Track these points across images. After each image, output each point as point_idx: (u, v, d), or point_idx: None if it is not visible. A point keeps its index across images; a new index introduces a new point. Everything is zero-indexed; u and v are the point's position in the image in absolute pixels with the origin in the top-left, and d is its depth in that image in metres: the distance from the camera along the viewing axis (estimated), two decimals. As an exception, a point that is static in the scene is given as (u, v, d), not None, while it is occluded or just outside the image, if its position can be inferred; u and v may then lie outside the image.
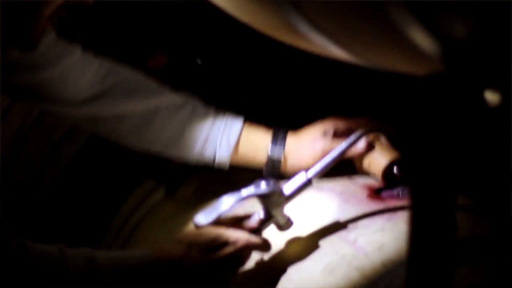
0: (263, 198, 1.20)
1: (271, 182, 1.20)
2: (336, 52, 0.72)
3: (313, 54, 0.78)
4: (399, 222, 1.22)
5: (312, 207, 1.30)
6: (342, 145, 1.28)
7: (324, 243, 1.22)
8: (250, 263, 1.22)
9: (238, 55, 1.72)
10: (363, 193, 1.32)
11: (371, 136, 1.37)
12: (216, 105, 1.46)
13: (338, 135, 1.39)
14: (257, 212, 1.22)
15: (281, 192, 1.20)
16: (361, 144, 1.35)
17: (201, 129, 1.42)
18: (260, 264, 1.23)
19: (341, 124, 1.40)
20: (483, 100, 0.66)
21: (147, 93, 1.44)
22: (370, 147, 1.36)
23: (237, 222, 1.21)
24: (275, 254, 1.23)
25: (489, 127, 1.24)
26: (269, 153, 1.40)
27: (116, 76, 1.44)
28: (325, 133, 1.39)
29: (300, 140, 1.40)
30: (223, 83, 1.69)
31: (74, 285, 1.10)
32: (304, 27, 0.70)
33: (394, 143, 1.38)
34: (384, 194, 1.32)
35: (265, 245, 1.21)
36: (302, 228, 1.26)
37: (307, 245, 1.23)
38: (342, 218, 1.26)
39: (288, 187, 1.22)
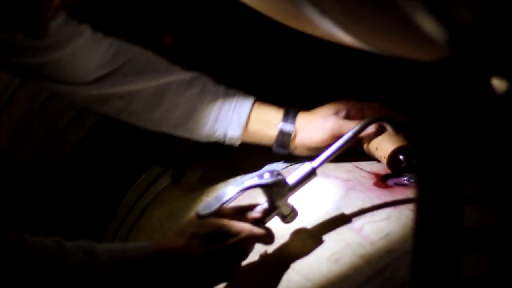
0: (267, 188, 1.19)
1: (275, 172, 1.20)
2: (343, 37, 0.72)
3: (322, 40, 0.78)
4: (405, 210, 1.21)
5: (318, 194, 1.30)
6: (347, 134, 1.27)
7: (329, 231, 1.22)
8: (256, 254, 1.21)
9: (247, 40, 1.72)
10: (370, 181, 1.32)
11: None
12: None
13: (350, 117, 1.39)
14: (261, 203, 1.20)
15: (285, 183, 1.19)
16: (371, 127, 1.35)
17: (211, 107, 1.42)
18: (265, 253, 1.22)
19: (354, 106, 1.41)
20: (490, 87, 0.65)
21: (157, 71, 1.43)
22: (380, 131, 1.36)
23: (240, 213, 1.19)
24: (281, 244, 1.23)
25: (495, 116, 1.23)
26: (280, 128, 1.40)
27: (126, 55, 1.44)
28: (337, 113, 1.39)
29: (311, 117, 1.41)
30: (233, 68, 1.68)
31: (73, 278, 1.09)
32: (311, 13, 0.69)
33: (405, 132, 1.37)
34: (390, 181, 1.32)
35: (268, 237, 1.19)
36: (308, 215, 1.25)
37: (313, 234, 1.22)
38: (349, 205, 1.25)
39: (292, 178, 1.21)
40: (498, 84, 0.64)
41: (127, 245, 1.18)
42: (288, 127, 1.40)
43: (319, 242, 1.21)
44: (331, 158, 1.25)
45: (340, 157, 1.28)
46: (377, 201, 1.25)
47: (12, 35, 1.32)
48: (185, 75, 1.44)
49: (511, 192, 1.16)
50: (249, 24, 1.66)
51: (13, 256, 1.08)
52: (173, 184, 1.58)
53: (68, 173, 1.71)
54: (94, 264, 1.09)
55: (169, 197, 1.56)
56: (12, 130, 1.74)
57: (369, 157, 1.39)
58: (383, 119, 1.35)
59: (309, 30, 0.77)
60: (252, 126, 1.42)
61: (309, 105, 1.45)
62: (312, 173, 1.22)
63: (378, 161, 1.37)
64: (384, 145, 1.35)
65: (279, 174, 1.20)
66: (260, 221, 1.19)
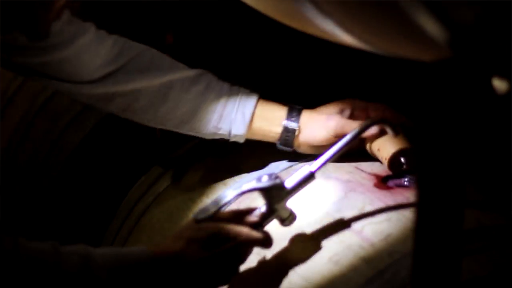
0: (265, 192, 1.18)
1: (273, 176, 1.19)
2: (344, 38, 0.72)
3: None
4: (405, 211, 1.21)
5: (318, 196, 1.29)
6: (346, 137, 1.27)
7: (329, 233, 1.22)
8: (255, 257, 1.20)
9: (250, 38, 1.71)
10: (370, 182, 1.32)
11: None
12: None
13: (354, 116, 1.40)
14: (259, 206, 1.20)
15: (283, 186, 1.19)
16: (375, 127, 1.35)
17: (215, 104, 1.42)
18: (265, 257, 1.21)
19: (358, 106, 1.41)
20: (491, 88, 0.65)
21: (161, 69, 1.43)
22: (383, 132, 1.36)
23: (238, 217, 1.18)
24: (281, 247, 1.22)
25: (496, 116, 1.23)
26: (284, 125, 1.40)
27: (130, 53, 1.43)
28: (341, 112, 1.40)
29: (315, 115, 1.41)
30: (235, 67, 1.68)
31: (69, 283, 1.08)
32: (311, 13, 0.69)
33: (407, 134, 1.37)
34: (391, 183, 1.31)
35: (266, 240, 1.18)
36: (308, 217, 1.25)
37: (313, 236, 1.22)
38: (349, 207, 1.25)
39: (290, 181, 1.20)
40: (499, 84, 0.64)
41: (124, 250, 1.17)
42: (292, 124, 1.40)
43: (319, 244, 1.21)
44: (330, 160, 1.25)
45: (340, 157, 1.28)
46: (378, 203, 1.25)
47: (14, 36, 1.31)
48: (189, 73, 1.44)
49: (511, 192, 1.16)
50: (252, 22, 1.66)
51: (8, 261, 1.07)
52: (173, 185, 1.58)
53: (68, 174, 1.71)
54: (91, 269, 1.08)
55: (169, 198, 1.56)
56: (12, 131, 1.73)
57: (369, 158, 1.39)
58: (382, 121, 1.34)
59: (309, 30, 0.76)
60: (256, 123, 1.42)
61: (313, 105, 1.45)
62: (310, 177, 1.21)
63: (380, 161, 1.37)
64: (386, 147, 1.35)
65: (277, 177, 1.19)
66: (258, 225, 1.18)
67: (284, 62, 1.71)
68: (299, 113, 1.41)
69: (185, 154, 1.59)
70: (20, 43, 1.33)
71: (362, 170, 1.36)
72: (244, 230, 1.16)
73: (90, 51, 1.41)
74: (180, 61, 1.47)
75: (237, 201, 1.20)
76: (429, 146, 0.74)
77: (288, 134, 1.40)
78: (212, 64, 1.50)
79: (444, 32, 0.61)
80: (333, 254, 1.18)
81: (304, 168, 1.22)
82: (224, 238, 1.15)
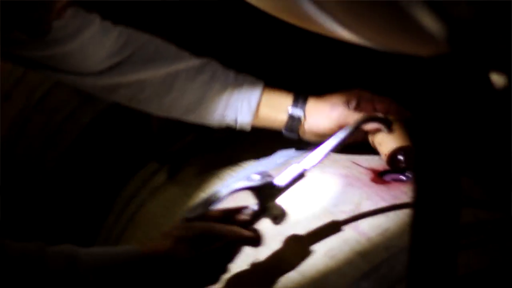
0: (256, 190, 1.18)
1: (264, 174, 1.19)
2: (342, 33, 0.72)
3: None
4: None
5: (315, 190, 1.30)
6: (339, 134, 1.27)
7: (326, 227, 1.22)
8: (253, 252, 1.20)
9: (256, 34, 1.71)
10: (367, 176, 1.32)
11: (391, 117, 1.36)
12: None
13: (360, 107, 1.40)
14: (250, 204, 1.19)
15: (273, 185, 1.18)
16: (384, 116, 1.35)
17: (221, 93, 1.42)
18: (262, 251, 1.21)
19: (364, 97, 1.40)
20: (489, 82, 0.65)
21: (167, 59, 1.43)
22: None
23: (229, 215, 1.18)
24: (276, 244, 1.22)
25: (495, 111, 1.23)
26: (290, 112, 1.41)
27: (135, 43, 1.43)
28: (347, 102, 1.40)
29: (320, 104, 1.41)
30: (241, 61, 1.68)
31: (55, 284, 1.06)
32: (310, 9, 0.69)
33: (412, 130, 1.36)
34: (388, 177, 1.32)
35: (256, 239, 1.17)
36: (305, 211, 1.25)
37: (310, 229, 1.22)
38: (346, 201, 1.25)
39: (281, 179, 1.20)
40: (497, 79, 0.64)
41: (111, 250, 1.15)
42: (297, 112, 1.41)
43: (316, 239, 1.21)
44: (324, 158, 1.24)
45: (337, 151, 1.28)
46: (375, 197, 1.25)
47: (15, 33, 1.30)
48: (195, 62, 1.44)
49: (511, 191, 1.17)
50: (257, 15, 1.66)
51: None
52: (169, 180, 1.58)
53: (63, 169, 1.71)
54: (77, 270, 1.07)
55: (165, 193, 1.56)
56: (9, 125, 1.73)
57: (366, 151, 1.39)
58: (375, 119, 1.34)
59: (307, 26, 0.76)
60: (262, 111, 1.42)
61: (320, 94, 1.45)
62: (301, 175, 1.21)
63: (377, 155, 1.37)
64: (387, 142, 1.35)
65: (268, 175, 1.19)
66: (248, 223, 1.18)
67: (292, 52, 1.71)
68: (304, 100, 1.41)
69: (181, 149, 1.59)
70: (22, 38, 1.32)
71: (359, 165, 1.36)
72: (234, 229, 1.15)
73: (95, 44, 1.40)
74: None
75: (228, 199, 1.19)
76: (427, 140, 0.74)
77: (294, 122, 1.41)
78: (219, 56, 1.50)
79: (442, 27, 0.61)
80: (329, 248, 1.18)
81: (296, 166, 1.21)
82: (214, 237, 1.13)
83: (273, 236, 1.20)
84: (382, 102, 1.40)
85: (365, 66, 1.65)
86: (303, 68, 1.72)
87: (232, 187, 1.17)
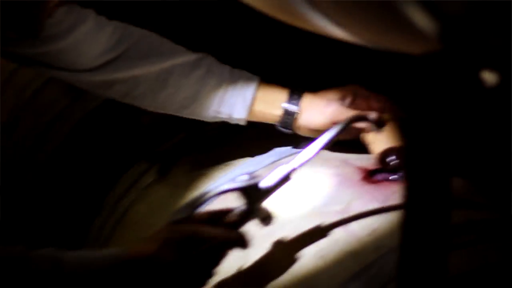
0: (242, 192, 1.17)
1: (250, 176, 1.18)
2: (333, 31, 0.71)
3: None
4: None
5: (305, 190, 1.29)
6: (328, 133, 1.26)
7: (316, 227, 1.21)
8: (242, 253, 1.19)
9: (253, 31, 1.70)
10: (358, 176, 1.31)
11: (387, 116, 1.35)
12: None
13: (356, 104, 1.39)
14: (237, 206, 1.18)
15: (259, 186, 1.17)
16: (372, 116, 1.35)
17: (216, 89, 1.42)
18: (251, 252, 1.20)
19: (361, 94, 1.40)
20: (481, 81, 0.65)
21: (162, 55, 1.43)
22: (380, 125, 1.35)
23: (215, 217, 1.16)
24: (267, 241, 1.22)
25: (488, 111, 1.23)
26: (284, 107, 1.41)
27: (129, 39, 1.42)
28: (343, 98, 1.39)
29: (315, 99, 1.41)
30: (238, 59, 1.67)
31: None
32: (300, 5, 0.69)
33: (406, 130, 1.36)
34: (379, 176, 1.31)
35: (243, 241, 1.15)
36: (295, 211, 1.25)
37: (300, 229, 1.22)
38: (336, 201, 1.25)
39: (267, 181, 1.18)
40: (488, 77, 0.63)
41: (97, 253, 1.14)
42: (292, 107, 1.41)
43: (306, 239, 1.20)
44: (310, 159, 1.23)
45: (328, 149, 1.27)
46: (365, 197, 1.24)
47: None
48: (190, 57, 1.43)
49: (511, 191, 1.16)
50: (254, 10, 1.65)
51: None
52: (158, 181, 1.58)
53: (53, 169, 1.70)
54: (62, 273, 1.05)
55: (154, 194, 1.55)
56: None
57: (356, 150, 1.39)
58: (363, 118, 1.34)
59: (298, 23, 0.76)
60: (257, 106, 1.42)
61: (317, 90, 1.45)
62: (287, 177, 1.20)
63: (369, 152, 1.37)
64: (379, 142, 1.35)
65: (255, 176, 1.18)
66: (235, 225, 1.16)
67: (290, 47, 1.70)
68: (300, 96, 1.41)
69: (170, 149, 1.59)
70: (15, 36, 1.31)
71: (349, 164, 1.36)
72: (221, 231, 1.14)
73: (90, 40, 1.40)
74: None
75: (217, 200, 1.18)
76: (418, 139, 0.73)
77: (289, 117, 1.41)
78: (215, 51, 1.49)
79: (434, 24, 0.60)
80: (319, 249, 1.17)
81: (282, 167, 1.20)
82: (200, 239, 1.12)
83: (262, 237, 1.20)
84: (378, 100, 1.40)
85: (357, 64, 1.64)
86: (301, 63, 1.72)
87: (218, 189, 1.17)
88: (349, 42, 0.73)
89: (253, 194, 1.17)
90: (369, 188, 1.27)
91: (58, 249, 1.08)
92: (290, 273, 1.17)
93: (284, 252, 1.20)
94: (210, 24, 1.71)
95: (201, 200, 1.17)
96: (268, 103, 1.42)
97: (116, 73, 1.41)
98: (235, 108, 1.42)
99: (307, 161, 1.22)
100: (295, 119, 1.41)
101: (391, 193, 1.25)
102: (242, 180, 1.16)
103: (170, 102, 1.43)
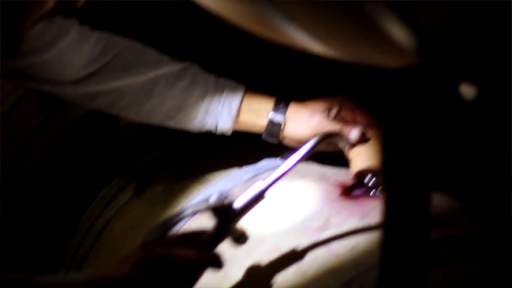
0: (215, 212, 1.15)
1: (224, 194, 1.16)
2: (310, 45, 0.70)
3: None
4: (372, 222, 1.20)
5: (284, 205, 1.29)
6: (298, 152, 1.24)
7: (295, 243, 1.20)
8: (222, 269, 1.17)
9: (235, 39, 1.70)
10: (336, 191, 1.31)
11: (370, 132, 1.35)
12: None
13: (341, 116, 1.39)
14: (210, 226, 1.15)
15: (233, 206, 1.15)
16: (355, 133, 1.34)
17: (201, 99, 1.41)
18: (231, 269, 1.19)
19: (347, 106, 1.40)
20: (459, 94, 0.64)
21: (146, 65, 1.42)
22: (363, 140, 1.35)
23: (188, 238, 1.14)
24: (246, 258, 1.20)
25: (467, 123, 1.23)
26: (270, 117, 1.40)
27: (113, 49, 1.41)
28: (328, 110, 1.39)
29: (301, 109, 1.40)
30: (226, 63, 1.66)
31: None
32: (274, 17, 0.68)
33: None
34: (357, 192, 1.31)
35: (216, 262, 1.13)
36: (273, 227, 1.24)
37: (278, 246, 1.21)
38: (315, 217, 1.24)
39: (240, 200, 1.16)
40: (466, 90, 0.63)
41: (67, 276, 1.12)
42: (277, 117, 1.40)
43: (284, 256, 1.19)
44: (281, 178, 1.21)
45: (308, 162, 1.26)
46: (344, 212, 1.24)
47: None
48: (174, 67, 1.42)
49: (511, 193, 1.16)
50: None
51: None
52: (135, 197, 1.56)
53: (30, 185, 1.69)
54: None
55: (131, 211, 1.54)
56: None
57: (338, 162, 1.38)
58: (336, 135, 1.33)
59: (275, 37, 0.75)
60: (243, 116, 1.42)
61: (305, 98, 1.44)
62: (261, 196, 1.18)
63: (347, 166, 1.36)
64: (358, 159, 1.34)
65: (226, 197, 1.16)
66: (209, 246, 1.14)
67: (277, 55, 1.69)
68: (286, 105, 1.41)
69: (148, 165, 1.58)
70: None
71: (328, 178, 1.35)
72: (193, 253, 1.12)
73: (73, 52, 1.39)
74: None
75: (192, 219, 1.17)
76: (397, 153, 0.73)
77: (274, 127, 1.40)
78: (201, 59, 1.48)
79: (412, 38, 0.60)
80: (299, 266, 1.16)
81: (255, 186, 1.18)
82: (172, 261, 1.10)
83: (241, 256, 1.19)
84: (363, 114, 1.39)
85: (343, 75, 1.64)
86: (289, 71, 1.71)
87: (190, 210, 1.15)
88: (328, 57, 0.72)
89: (226, 214, 1.15)
90: (348, 204, 1.26)
91: (28, 273, 1.06)
92: (270, 290, 1.16)
93: (264, 271, 1.19)
94: (196, 31, 1.70)
95: (173, 222, 1.15)
96: (254, 113, 1.42)
97: (100, 85, 1.40)
98: (220, 119, 1.41)
99: (281, 177, 1.20)
100: (281, 129, 1.40)
101: (370, 208, 1.24)
102: (214, 199, 1.15)
103: (155, 113, 1.42)
